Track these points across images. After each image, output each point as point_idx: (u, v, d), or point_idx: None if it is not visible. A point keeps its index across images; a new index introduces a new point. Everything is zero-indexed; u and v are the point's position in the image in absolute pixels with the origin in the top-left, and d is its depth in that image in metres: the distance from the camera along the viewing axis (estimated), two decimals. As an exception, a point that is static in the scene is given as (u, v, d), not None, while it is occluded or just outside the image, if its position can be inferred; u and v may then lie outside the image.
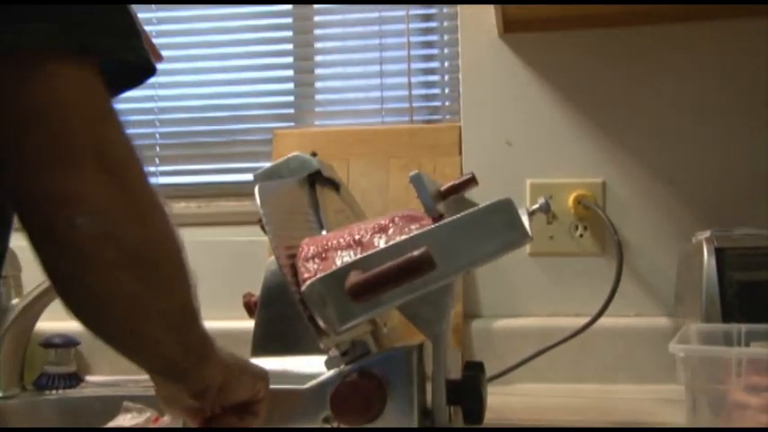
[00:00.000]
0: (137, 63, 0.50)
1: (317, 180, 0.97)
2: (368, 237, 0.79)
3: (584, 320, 1.12)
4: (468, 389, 0.86)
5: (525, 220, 0.80)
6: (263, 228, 0.83)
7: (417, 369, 0.83)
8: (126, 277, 0.47)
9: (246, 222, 0.95)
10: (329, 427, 0.80)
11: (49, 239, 0.46)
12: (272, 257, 0.88)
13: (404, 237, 0.73)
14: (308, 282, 0.74)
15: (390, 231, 0.79)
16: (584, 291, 1.19)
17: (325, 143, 1.27)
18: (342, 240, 0.79)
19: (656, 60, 1.20)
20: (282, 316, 0.96)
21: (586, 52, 1.21)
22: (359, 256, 0.75)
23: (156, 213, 0.49)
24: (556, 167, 1.22)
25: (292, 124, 1.40)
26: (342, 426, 0.80)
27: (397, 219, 0.79)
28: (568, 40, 1.21)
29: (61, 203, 0.45)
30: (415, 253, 0.68)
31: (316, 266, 0.78)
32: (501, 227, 0.75)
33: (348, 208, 1.06)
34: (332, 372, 0.82)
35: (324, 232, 0.92)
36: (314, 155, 0.98)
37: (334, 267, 0.74)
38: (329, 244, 0.80)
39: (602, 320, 1.11)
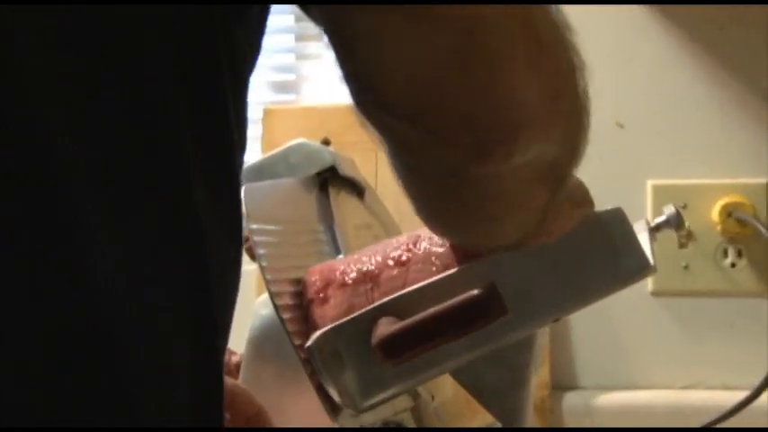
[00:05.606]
0: None
1: (330, 180, 0.86)
2: (383, 264, 0.69)
3: (738, 396, 0.92)
4: None
5: (645, 240, 0.67)
6: (249, 251, 0.69)
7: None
8: (540, 191, 0.54)
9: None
10: None
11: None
12: (264, 296, 0.79)
13: (452, 270, 0.63)
14: (316, 333, 0.64)
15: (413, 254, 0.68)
16: (737, 350, 1.03)
17: (341, 126, 1.05)
18: (355, 268, 0.70)
19: None
20: (279, 382, 0.83)
21: None
22: (394, 294, 0.65)
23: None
24: (691, 162, 1.05)
25: (293, 97, 1.19)
26: None
27: (424, 236, 0.67)
28: None
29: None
30: (476, 291, 0.60)
31: (330, 308, 0.68)
32: (606, 251, 0.65)
33: (376, 221, 0.93)
34: (353, 468, 0.72)
35: (340, 257, 0.78)
36: (326, 143, 0.88)
37: (355, 312, 0.66)
38: (338, 274, 0.70)
39: (766, 396, 0.90)
